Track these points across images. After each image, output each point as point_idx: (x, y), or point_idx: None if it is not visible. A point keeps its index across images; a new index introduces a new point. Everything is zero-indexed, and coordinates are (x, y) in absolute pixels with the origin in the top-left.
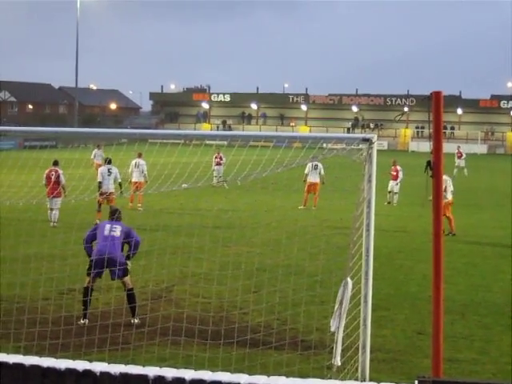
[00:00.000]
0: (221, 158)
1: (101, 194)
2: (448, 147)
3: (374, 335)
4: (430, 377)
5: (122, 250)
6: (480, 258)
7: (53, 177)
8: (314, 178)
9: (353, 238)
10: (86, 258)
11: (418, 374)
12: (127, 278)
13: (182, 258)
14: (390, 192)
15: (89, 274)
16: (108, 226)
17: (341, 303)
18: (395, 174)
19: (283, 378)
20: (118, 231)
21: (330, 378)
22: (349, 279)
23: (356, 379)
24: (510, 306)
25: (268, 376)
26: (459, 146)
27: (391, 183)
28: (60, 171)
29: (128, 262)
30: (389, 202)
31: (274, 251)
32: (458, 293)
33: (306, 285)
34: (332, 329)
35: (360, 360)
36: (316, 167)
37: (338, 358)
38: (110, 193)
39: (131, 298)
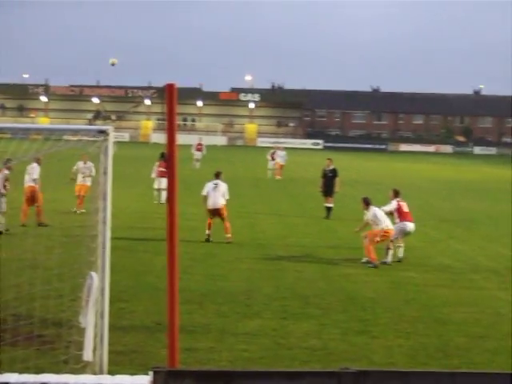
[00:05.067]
0: None
1: None
2: (190, 139)
3: (113, 327)
4: (165, 367)
5: None
6: (220, 248)
7: None
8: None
9: (92, 231)
10: None
11: (152, 365)
12: None
13: None
14: (158, 190)
15: None
16: None
17: (87, 298)
18: (164, 170)
19: (15, 374)
20: None
21: (67, 373)
22: (93, 273)
23: (94, 372)
24: (246, 294)
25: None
26: (201, 138)
27: (161, 180)
28: None
29: None
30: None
31: (9, 244)
32: (196, 283)
33: (41, 278)
34: (83, 325)
35: (98, 353)
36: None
37: (90, 353)
38: None
39: None
